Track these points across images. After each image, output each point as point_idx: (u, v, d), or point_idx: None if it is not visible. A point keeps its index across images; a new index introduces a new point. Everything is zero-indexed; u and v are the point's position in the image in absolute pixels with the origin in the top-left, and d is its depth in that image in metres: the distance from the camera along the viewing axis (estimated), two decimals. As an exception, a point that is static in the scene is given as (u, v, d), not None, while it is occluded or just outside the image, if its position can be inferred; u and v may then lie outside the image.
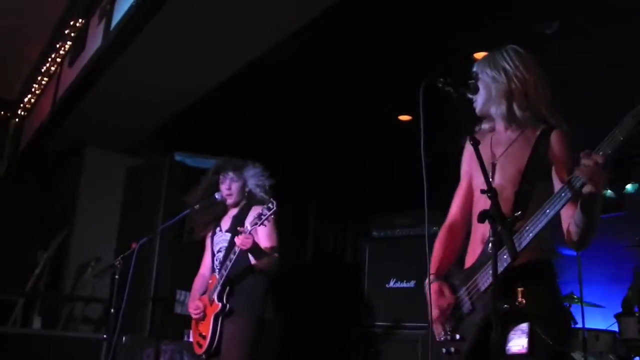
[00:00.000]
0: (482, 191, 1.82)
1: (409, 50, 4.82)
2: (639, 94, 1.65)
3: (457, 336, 2.03)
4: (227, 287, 3.46)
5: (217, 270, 3.58)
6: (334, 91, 5.65)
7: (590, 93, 4.91)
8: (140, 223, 5.43)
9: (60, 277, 6.68)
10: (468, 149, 2.30)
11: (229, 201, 3.71)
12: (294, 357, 6.61)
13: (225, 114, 6.12)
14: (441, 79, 1.96)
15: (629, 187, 6.23)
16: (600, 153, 1.68)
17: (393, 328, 4.94)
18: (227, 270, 3.42)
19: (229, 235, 3.63)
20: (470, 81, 2.15)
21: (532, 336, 1.84)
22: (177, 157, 5.66)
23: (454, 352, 2.02)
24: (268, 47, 4.73)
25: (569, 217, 1.88)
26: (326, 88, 5.59)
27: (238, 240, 3.26)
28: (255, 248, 3.31)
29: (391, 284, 5.12)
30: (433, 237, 2.26)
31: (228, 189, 3.68)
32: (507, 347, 1.88)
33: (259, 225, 3.24)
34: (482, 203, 1.97)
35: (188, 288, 3.91)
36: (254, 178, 3.72)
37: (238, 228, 3.32)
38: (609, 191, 5.95)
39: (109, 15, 5.27)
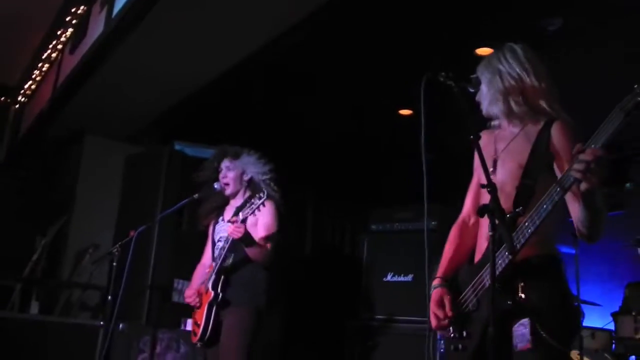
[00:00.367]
0: (482, 185, 1.83)
1: (409, 44, 4.80)
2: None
3: (464, 333, 2.03)
4: (222, 276, 3.46)
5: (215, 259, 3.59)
6: (334, 84, 5.64)
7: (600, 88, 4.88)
8: (139, 211, 5.44)
9: (58, 263, 6.69)
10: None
11: (227, 191, 3.69)
12: (291, 349, 6.63)
13: (224, 105, 6.11)
14: (443, 73, 1.96)
15: (627, 186, 6.23)
16: (592, 146, 1.67)
17: (390, 322, 4.94)
18: (220, 259, 3.43)
19: (229, 224, 3.62)
20: (472, 75, 2.17)
21: (534, 331, 1.84)
22: (177, 146, 5.67)
23: (461, 349, 2.02)
24: (268, 39, 4.72)
25: (576, 211, 1.88)
26: (326, 81, 5.57)
27: (229, 229, 3.28)
28: (246, 238, 3.31)
29: (389, 277, 5.11)
30: (432, 231, 2.26)
31: (224, 177, 3.67)
32: (513, 344, 1.87)
33: (250, 215, 3.24)
34: (485, 198, 1.97)
35: (186, 277, 3.92)
36: (253, 166, 3.70)
37: (231, 218, 3.33)
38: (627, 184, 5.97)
39: (110, 2, 5.25)
